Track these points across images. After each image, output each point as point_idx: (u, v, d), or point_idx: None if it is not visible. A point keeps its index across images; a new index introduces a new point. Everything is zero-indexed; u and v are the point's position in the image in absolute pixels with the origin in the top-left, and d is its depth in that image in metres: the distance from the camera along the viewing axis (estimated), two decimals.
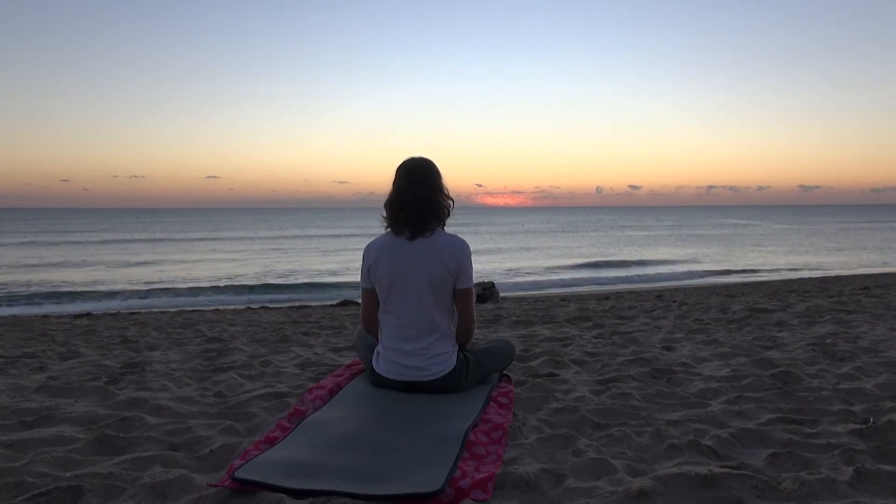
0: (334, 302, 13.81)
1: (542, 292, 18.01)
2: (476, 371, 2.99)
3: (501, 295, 12.65)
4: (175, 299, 18.03)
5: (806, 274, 21.04)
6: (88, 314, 10.84)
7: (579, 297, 12.23)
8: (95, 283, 22.77)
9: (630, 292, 14.27)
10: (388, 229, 2.94)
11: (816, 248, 33.60)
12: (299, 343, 4.98)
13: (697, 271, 23.52)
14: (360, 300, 3.29)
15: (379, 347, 3.00)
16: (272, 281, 22.21)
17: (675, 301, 8.80)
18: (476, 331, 3.70)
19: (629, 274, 23.53)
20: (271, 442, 2.28)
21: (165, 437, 2.39)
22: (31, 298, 18.15)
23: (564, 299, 11.61)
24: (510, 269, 26.51)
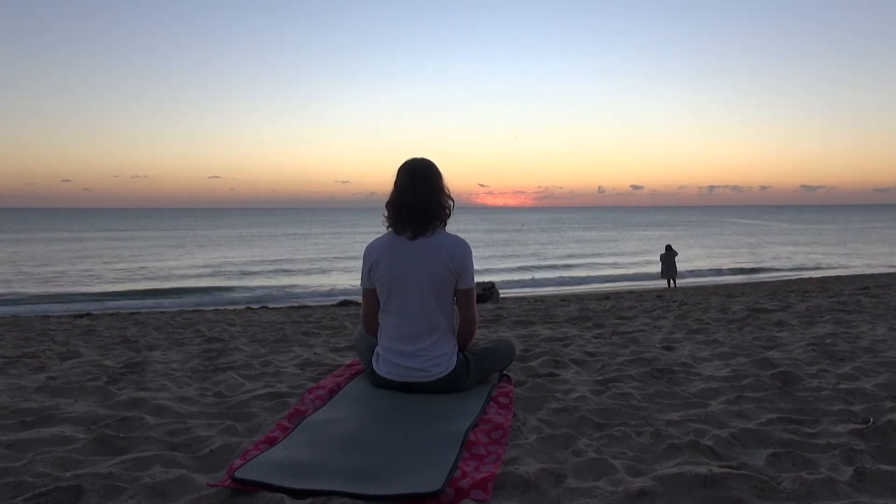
0: (334, 302, 13.83)
1: (542, 292, 18.02)
2: (476, 371, 2.99)
3: (501, 295, 12.66)
4: (175, 299, 18.04)
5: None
6: (88, 314, 10.85)
7: (579, 297, 12.23)
8: (95, 282, 22.77)
9: (630, 292, 14.28)
10: (390, 229, 2.94)
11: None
12: (299, 343, 4.98)
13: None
14: (360, 300, 3.30)
15: (378, 348, 3.00)
16: (271, 286, 22.20)
17: (675, 301, 8.80)
18: (476, 331, 3.70)
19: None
20: (271, 442, 2.27)
21: (165, 437, 2.39)
22: (32, 298, 18.16)
23: (564, 299, 11.61)
24: (512, 269, 26.52)
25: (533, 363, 3.62)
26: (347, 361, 3.76)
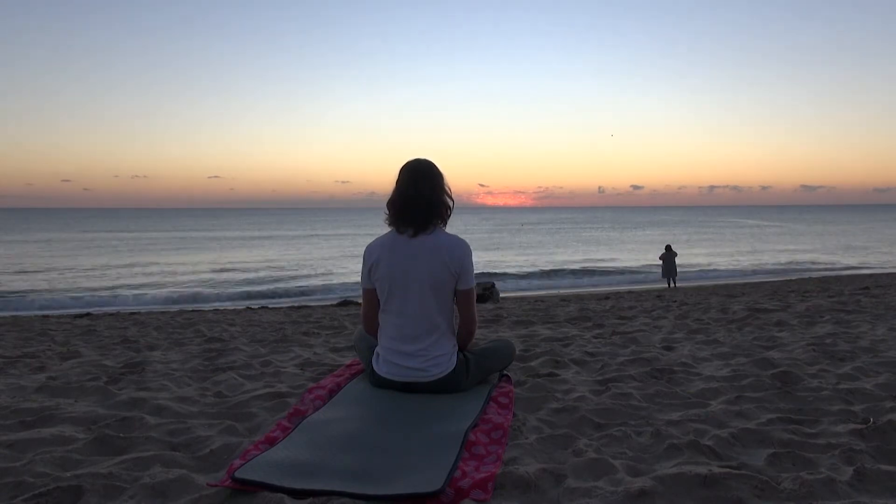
0: (334, 302, 13.83)
1: (542, 292, 18.02)
2: (476, 371, 2.99)
3: (501, 295, 12.66)
4: (175, 300, 18.04)
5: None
6: (88, 314, 10.85)
7: (579, 297, 12.23)
8: (95, 282, 22.77)
9: (630, 292, 14.28)
10: (391, 227, 2.95)
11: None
12: (299, 343, 4.98)
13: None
14: (360, 300, 3.30)
15: (378, 348, 3.00)
16: (271, 286, 22.18)
17: (675, 301, 8.81)
18: (476, 331, 3.69)
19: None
20: (271, 442, 2.28)
21: (165, 437, 2.39)
22: (32, 298, 18.16)
23: (564, 299, 11.61)
24: (513, 269, 26.53)
25: (533, 363, 3.62)
26: (347, 361, 3.76)
